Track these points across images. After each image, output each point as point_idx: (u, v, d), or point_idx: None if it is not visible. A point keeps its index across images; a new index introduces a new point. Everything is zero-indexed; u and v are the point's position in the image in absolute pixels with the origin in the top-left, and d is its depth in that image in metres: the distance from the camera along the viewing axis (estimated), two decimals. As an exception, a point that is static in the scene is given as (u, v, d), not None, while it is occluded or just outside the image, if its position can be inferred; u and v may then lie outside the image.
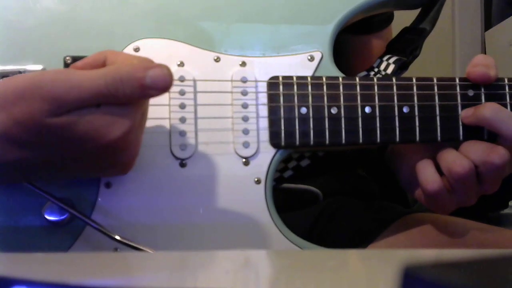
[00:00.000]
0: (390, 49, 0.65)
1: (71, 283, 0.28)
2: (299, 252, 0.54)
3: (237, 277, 0.37)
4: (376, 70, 0.63)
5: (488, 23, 1.73)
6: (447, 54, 1.70)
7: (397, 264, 0.23)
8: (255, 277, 0.38)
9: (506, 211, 1.16)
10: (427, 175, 0.56)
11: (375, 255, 0.48)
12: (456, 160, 0.55)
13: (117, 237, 0.52)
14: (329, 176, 0.75)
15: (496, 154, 0.54)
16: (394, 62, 0.62)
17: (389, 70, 0.62)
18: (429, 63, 1.54)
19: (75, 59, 0.54)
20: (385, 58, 0.64)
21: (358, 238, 0.67)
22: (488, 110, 0.56)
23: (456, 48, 1.69)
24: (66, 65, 0.54)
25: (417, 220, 0.66)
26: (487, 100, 0.58)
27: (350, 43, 0.76)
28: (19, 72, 0.53)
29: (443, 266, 0.23)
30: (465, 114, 0.57)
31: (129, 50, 0.55)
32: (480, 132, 0.57)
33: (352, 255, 0.49)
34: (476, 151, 0.55)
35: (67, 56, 0.54)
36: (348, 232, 0.70)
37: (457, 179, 0.55)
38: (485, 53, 1.64)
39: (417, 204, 0.86)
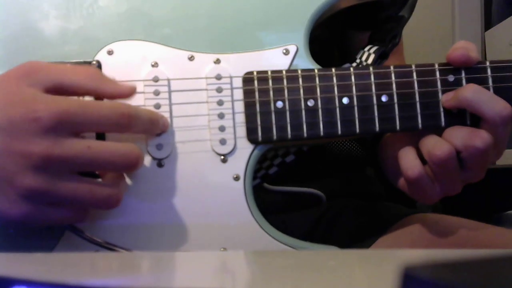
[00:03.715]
0: (371, 39, 0.63)
1: (71, 283, 0.27)
2: (296, 253, 0.52)
3: (215, 277, 0.36)
4: (358, 61, 0.61)
5: (488, 23, 1.70)
6: (447, 54, 1.66)
7: (397, 264, 0.22)
8: (233, 278, 0.37)
9: (507, 211, 1.12)
10: (408, 161, 0.54)
11: (375, 255, 0.46)
12: (436, 144, 0.53)
13: (96, 239, 0.51)
14: (333, 178, 0.73)
15: (478, 138, 0.51)
16: (374, 52, 0.60)
17: (370, 60, 0.60)
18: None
19: (49, 65, 0.53)
20: (366, 49, 0.62)
21: (360, 239, 0.65)
22: (469, 91, 0.53)
23: (456, 48, 1.66)
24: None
25: (419, 221, 0.63)
26: None
27: (361, 38, 0.74)
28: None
29: (443, 266, 0.22)
30: (446, 98, 0.54)
31: (103, 53, 0.54)
32: (463, 117, 0.55)
33: (351, 255, 0.47)
34: (458, 136, 0.52)
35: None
36: (350, 232, 0.68)
37: (437, 163, 0.52)
38: (485, 53, 1.61)
39: (418, 203, 0.83)
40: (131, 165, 0.47)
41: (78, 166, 0.46)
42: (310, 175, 0.69)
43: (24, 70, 0.47)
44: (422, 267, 0.22)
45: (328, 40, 0.72)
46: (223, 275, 0.38)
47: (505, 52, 1.50)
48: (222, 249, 0.52)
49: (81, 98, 0.49)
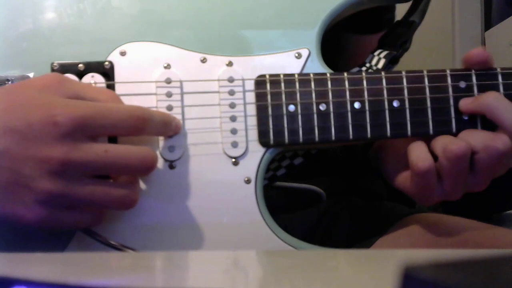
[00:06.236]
0: (381, 43, 0.62)
1: (71, 283, 0.27)
2: (295, 252, 0.51)
3: (226, 277, 0.35)
4: (368, 65, 0.60)
5: (488, 23, 1.69)
6: (447, 54, 1.65)
7: (397, 264, 0.22)
8: (245, 277, 0.36)
9: (507, 211, 1.11)
10: (419, 153, 0.51)
11: (375, 255, 0.45)
12: (452, 140, 0.51)
13: (108, 241, 0.50)
14: (334, 176, 0.72)
15: (500, 140, 0.50)
16: (384, 57, 0.58)
17: (380, 65, 0.58)
18: (429, 63, 1.49)
19: (62, 65, 0.51)
20: (376, 53, 0.60)
21: (360, 238, 0.64)
22: (492, 97, 0.52)
23: (456, 48, 1.65)
24: (53, 71, 0.51)
25: (419, 220, 0.62)
26: (479, 91, 0.54)
27: (360, 42, 0.73)
28: (7, 80, 0.51)
29: (443, 266, 0.21)
30: (465, 102, 0.53)
31: (115, 54, 0.52)
32: (474, 124, 0.53)
33: (351, 255, 0.46)
34: (477, 137, 0.51)
35: (54, 62, 0.52)
36: (350, 232, 0.67)
37: (451, 159, 0.50)
38: (485, 53, 1.60)
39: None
40: (147, 168, 0.47)
41: (95, 170, 0.45)
42: (311, 173, 0.68)
43: (47, 80, 0.46)
44: (422, 267, 0.21)
45: (327, 43, 0.70)
46: (234, 274, 0.37)
47: (505, 52, 1.49)
48: (233, 252, 0.51)
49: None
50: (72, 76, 0.51)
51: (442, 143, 0.51)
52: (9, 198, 0.43)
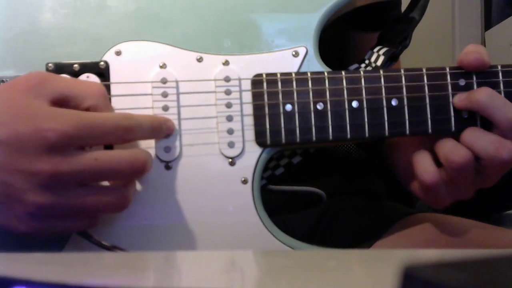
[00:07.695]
0: (381, 40, 0.60)
1: (70, 283, 0.26)
2: (293, 252, 0.50)
3: (223, 277, 0.34)
4: (367, 62, 0.58)
5: (488, 23, 1.67)
6: (447, 54, 1.64)
7: (397, 264, 0.22)
8: (242, 278, 0.35)
9: (508, 211, 1.10)
10: (424, 166, 0.51)
11: (375, 255, 0.45)
12: (454, 149, 0.49)
13: (104, 243, 0.49)
14: (334, 176, 0.71)
15: (506, 149, 0.48)
16: (384, 54, 0.57)
17: (379, 62, 0.57)
18: (429, 63, 1.48)
19: (57, 65, 0.50)
20: (375, 50, 0.59)
21: (360, 238, 0.63)
22: (483, 95, 0.50)
23: (456, 48, 1.63)
24: (48, 72, 0.50)
25: (419, 221, 0.61)
26: None
27: (364, 40, 0.72)
28: (2, 80, 0.50)
29: (443, 266, 0.21)
30: (459, 98, 0.51)
31: (111, 53, 0.51)
32: (473, 122, 0.52)
33: (351, 255, 0.45)
34: (481, 143, 0.49)
35: (49, 63, 0.50)
36: (350, 232, 0.66)
37: (455, 169, 0.49)
38: (485, 53, 1.58)
39: (418, 203, 0.81)
40: (139, 173, 0.46)
41: (86, 180, 0.44)
42: (312, 174, 0.67)
43: (33, 80, 0.45)
44: (422, 267, 0.21)
45: (331, 40, 0.69)
46: (231, 274, 0.36)
47: (505, 52, 1.47)
48: (229, 253, 0.50)
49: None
50: (67, 77, 0.50)
51: (445, 151, 0.50)
52: (1, 210, 0.43)
